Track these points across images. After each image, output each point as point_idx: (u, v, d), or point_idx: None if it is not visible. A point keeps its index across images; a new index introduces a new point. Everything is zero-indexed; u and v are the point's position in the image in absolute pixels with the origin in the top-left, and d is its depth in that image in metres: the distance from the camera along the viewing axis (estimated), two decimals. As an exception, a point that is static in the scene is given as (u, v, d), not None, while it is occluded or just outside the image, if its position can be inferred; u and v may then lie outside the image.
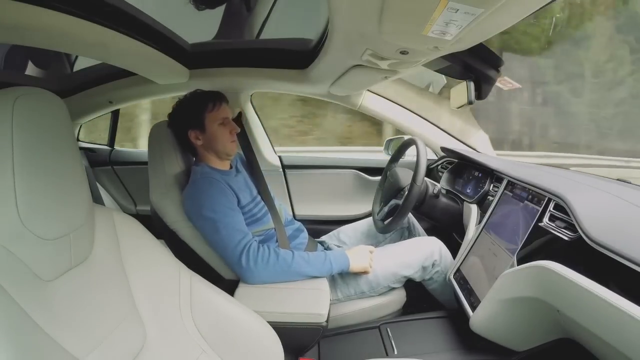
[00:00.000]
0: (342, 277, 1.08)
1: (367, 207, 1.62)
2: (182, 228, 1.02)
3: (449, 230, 1.29)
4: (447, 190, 1.30)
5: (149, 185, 1.10)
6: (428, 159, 1.15)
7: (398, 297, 1.12)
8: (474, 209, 1.12)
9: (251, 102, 1.55)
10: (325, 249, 1.22)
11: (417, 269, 1.09)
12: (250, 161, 1.32)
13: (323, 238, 1.38)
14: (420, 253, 1.10)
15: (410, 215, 1.35)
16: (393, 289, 1.11)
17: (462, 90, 1.06)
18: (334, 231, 1.40)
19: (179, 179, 1.08)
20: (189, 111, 1.07)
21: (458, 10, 0.48)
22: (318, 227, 1.42)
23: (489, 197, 1.09)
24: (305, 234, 1.22)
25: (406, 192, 1.09)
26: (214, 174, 1.05)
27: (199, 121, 1.06)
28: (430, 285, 1.14)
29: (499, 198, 1.00)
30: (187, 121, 1.07)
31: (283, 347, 0.79)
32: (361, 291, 1.07)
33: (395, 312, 1.13)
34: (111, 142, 1.89)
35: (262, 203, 1.15)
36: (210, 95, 1.09)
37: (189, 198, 1.00)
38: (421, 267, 1.09)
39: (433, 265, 1.11)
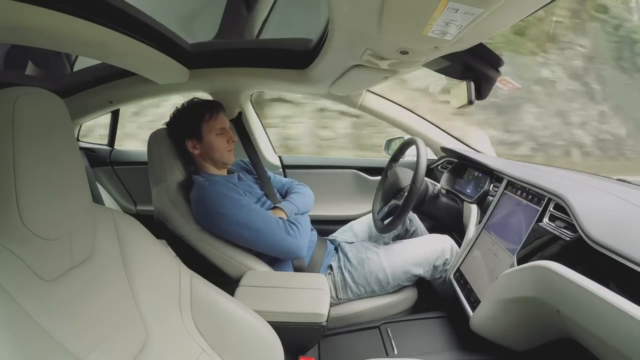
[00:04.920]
0: (352, 278, 1.08)
1: (367, 207, 1.62)
2: (188, 232, 1.02)
3: (449, 230, 1.29)
4: (447, 190, 1.30)
5: (149, 187, 1.10)
6: (428, 159, 1.15)
7: (410, 295, 1.12)
8: (474, 209, 1.12)
9: (251, 102, 1.55)
10: (336, 246, 1.23)
11: (428, 267, 1.09)
12: (253, 161, 1.32)
13: (335, 235, 1.38)
14: (432, 252, 1.11)
15: None
16: (404, 287, 1.11)
17: (462, 90, 1.06)
18: (345, 226, 1.41)
19: (182, 186, 1.08)
20: (186, 121, 1.08)
21: (458, 10, 0.48)
22: (318, 227, 1.42)
23: (489, 197, 1.09)
24: (314, 232, 1.22)
25: (406, 193, 1.09)
26: (217, 178, 1.06)
27: (196, 131, 1.07)
28: (438, 282, 1.14)
29: (499, 198, 1.00)
30: (184, 130, 1.08)
31: (283, 346, 0.79)
32: (372, 290, 1.08)
33: (407, 309, 1.13)
34: (111, 142, 1.89)
35: (269, 202, 1.16)
36: (207, 105, 1.09)
37: (206, 213, 0.99)
38: (432, 266, 1.10)
39: (444, 263, 1.11)
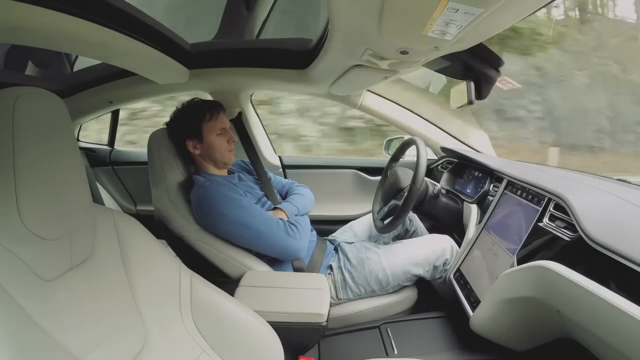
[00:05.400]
0: (352, 278, 1.08)
1: (367, 207, 1.62)
2: (188, 232, 1.02)
3: (449, 230, 1.29)
4: (447, 190, 1.30)
5: (149, 187, 1.10)
6: (428, 159, 1.15)
7: (410, 295, 1.12)
8: (474, 208, 1.12)
9: (251, 102, 1.55)
10: (335, 246, 1.23)
11: (428, 268, 1.09)
12: (253, 161, 1.32)
13: (334, 235, 1.38)
14: (432, 252, 1.11)
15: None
16: (404, 287, 1.11)
17: (462, 90, 1.06)
18: (345, 226, 1.41)
19: (182, 186, 1.08)
20: (187, 121, 1.08)
21: (458, 10, 0.48)
22: (318, 227, 1.43)
23: (489, 197, 1.09)
24: (314, 232, 1.23)
25: (406, 193, 1.09)
26: (217, 178, 1.06)
27: (196, 131, 1.06)
28: (438, 283, 1.14)
29: (499, 198, 1.00)
30: (184, 130, 1.08)
31: (283, 346, 0.79)
32: (371, 290, 1.08)
33: (407, 309, 1.13)
34: (111, 142, 1.89)
35: (269, 202, 1.16)
36: (208, 105, 1.09)
37: (207, 213, 0.99)
38: (432, 267, 1.10)
39: (444, 264, 1.11)
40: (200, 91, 1.46)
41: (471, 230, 1.07)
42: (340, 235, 1.37)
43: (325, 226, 1.50)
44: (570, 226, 0.68)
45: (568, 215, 0.68)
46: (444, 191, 1.27)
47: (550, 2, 0.54)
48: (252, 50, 1.24)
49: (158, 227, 1.05)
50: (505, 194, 0.99)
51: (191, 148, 1.08)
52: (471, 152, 1.42)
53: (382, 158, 1.66)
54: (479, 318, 0.84)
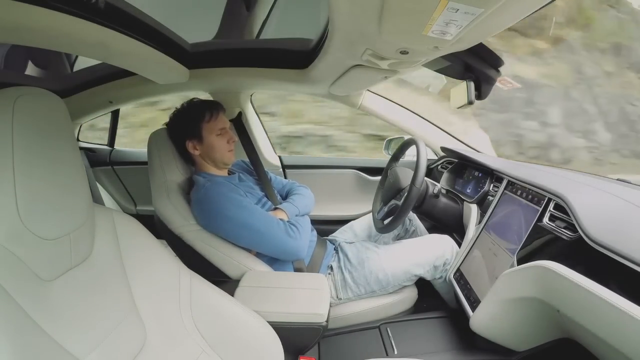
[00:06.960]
0: (352, 278, 1.08)
1: (367, 207, 1.62)
2: (188, 232, 1.02)
3: (449, 230, 1.29)
4: (447, 190, 1.30)
5: (149, 187, 1.10)
6: (428, 159, 1.15)
7: (410, 295, 1.12)
8: (474, 209, 1.12)
9: (251, 102, 1.55)
10: (335, 247, 1.23)
11: (428, 268, 1.09)
12: (253, 161, 1.32)
13: (335, 235, 1.38)
14: (433, 252, 1.11)
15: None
16: (404, 286, 1.11)
17: (462, 90, 1.06)
18: (345, 226, 1.41)
19: (182, 186, 1.08)
20: (186, 121, 1.08)
21: (458, 10, 0.48)
22: (318, 227, 1.43)
23: (489, 197, 1.09)
24: (314, 232, 1.23)
25: (406, 193, 1.09)
26: (218, 179, 1.06)
27: (196, 131, 1.06)
28: (438, 282, 1.14)
29: (499, 198, 1.00)
30: (184, 131, 1.08)
31: (283, 346, 0.79)
32: (371, 290, 1.08)
33: (407, 309, 1.13)
34: (111, 142, 1.89)
35: (270, 203, 1.16)
36: (207, 105, 1.09)
37: (207, 213, 0.99)
38: (433, 267, 1.10)
39: (444, 264, 1.11)
40: (200, 91, 1.46)
41: (471, 230, 1.07)
42: (340, 235, 1.37)
43: (325, 226, 1.50)
44: (570, 226, 0.68)
45: (568, 215, 0.68)
46: (444, 191, 1.27)
47: (551, 1, 0.54)
48: (252, 50, 1.24)
49: (158, 227, 1.05)
50: (505, 194, 0.99)
51: (191, 149, 1.08)
52: (471, 152, 1.42)
53: (382, 158, 1.66)
54: (479, 318, 0.84)
